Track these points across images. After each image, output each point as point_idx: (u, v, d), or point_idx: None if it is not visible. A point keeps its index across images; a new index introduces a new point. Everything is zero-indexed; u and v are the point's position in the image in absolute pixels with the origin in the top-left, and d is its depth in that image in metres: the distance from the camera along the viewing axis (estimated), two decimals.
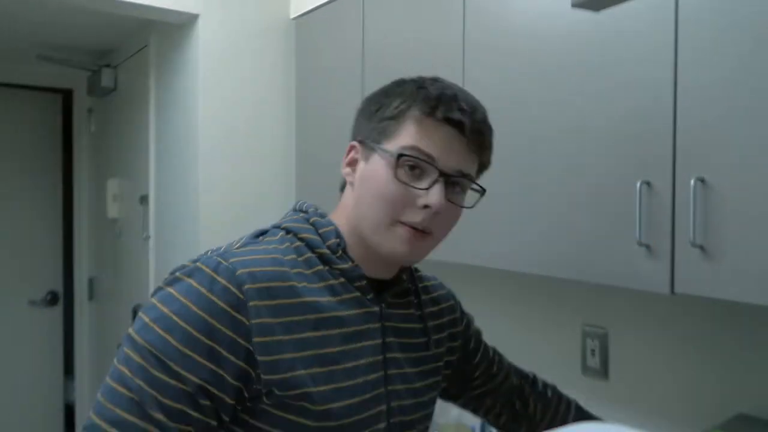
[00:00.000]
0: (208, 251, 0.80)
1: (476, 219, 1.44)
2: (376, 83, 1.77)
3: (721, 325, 1.31)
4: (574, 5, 0.66)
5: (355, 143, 0.86)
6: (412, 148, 0.78)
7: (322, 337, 0.78)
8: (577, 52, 1.21)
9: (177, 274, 0.76)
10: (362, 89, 1.82)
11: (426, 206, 0.78)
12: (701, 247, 1.01)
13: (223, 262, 0.75)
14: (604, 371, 1.53)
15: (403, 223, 0.79)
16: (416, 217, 0.79)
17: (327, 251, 0.82)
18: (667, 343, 1.41)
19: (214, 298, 0.72)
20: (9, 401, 3.15)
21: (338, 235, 0.84)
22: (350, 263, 0.83)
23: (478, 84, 1.41)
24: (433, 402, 0.97)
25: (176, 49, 2.31)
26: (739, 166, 0.97)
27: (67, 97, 3.33)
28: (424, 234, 0.81)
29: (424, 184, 0.79)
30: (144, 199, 2.58)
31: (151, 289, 2.55)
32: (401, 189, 0.79)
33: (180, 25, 2.24)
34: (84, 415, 3.34)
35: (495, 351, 1.15)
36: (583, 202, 1.20)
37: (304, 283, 0.79)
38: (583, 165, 1.20)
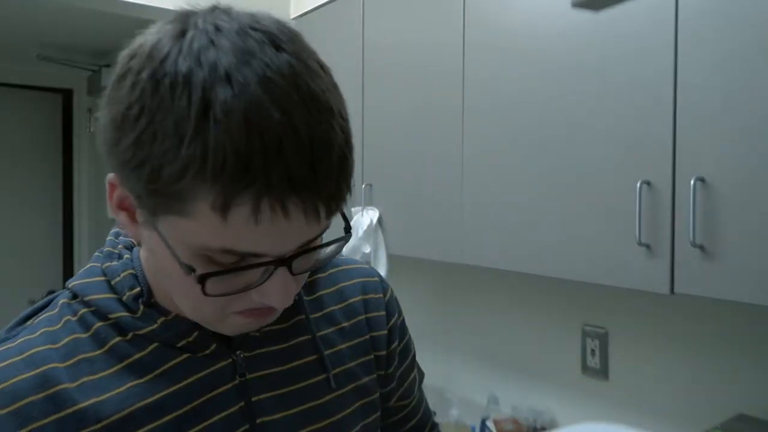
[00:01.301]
0: None
1: (476, 220, 1.44)
2: (376, 83, 1.78)
3: (721, 325, 1.31)
4: (574, 5, 0.66)
5: (114, 182, 0.49)
6: (226, 251, 0.46)
7: None
8: (577, 52, 1.21)
9: None
10: (362, 89, 1.82)
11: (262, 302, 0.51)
12: (701, 247, 1.01)
13: None
14: (604, 371, 1.53)
15: (238, 312, 0.53)
16: (254, 306, 0.52)
17: (124, 314, 0.55)
18: (667, 343, 1.41)
19: None
20: None
21: (137, 282, 0.56)
22: (161, 319, 0.55)
23: (478, 84, 1.42)
24: None
25: None
26: (739, 166, 0.97)
27: (67, 97, 3.33)
28: (271, 308, 0.53)
29: (249, 278, 0.49)
30: None
31: None
32: (219, 299, 0.50)
33: None
34: None
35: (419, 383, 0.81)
36: (583, 202, 1.20)
37: (85, 378, 0.52)
38: (583, 165, 1.20)
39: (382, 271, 1.76)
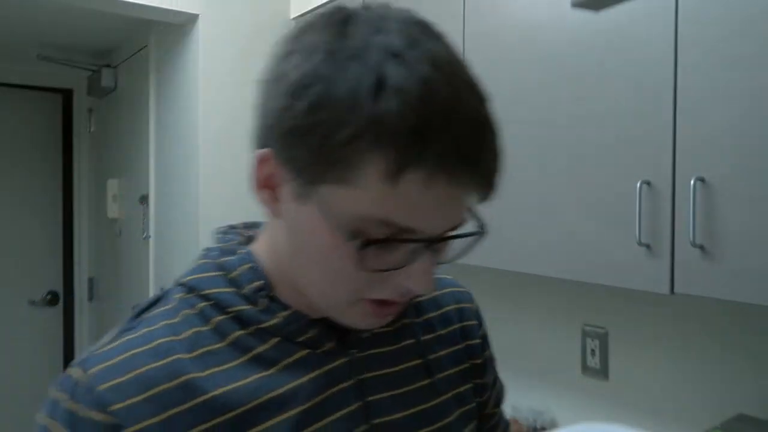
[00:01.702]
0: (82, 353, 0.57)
1: None
2: None
3: (721, 325, 1.31)
4: (574, 5, 0.66)
5: (268, 155, 0.51)
6: (384, 223, 0.47)
7: None
8: (577, 52, 1.21)
9: (42, 414, 0.53)
10: None
11: (403, 286, 0.52)
12: (701, 247, 1.01)
13: (83, 377, 0.52)
14: (604, 371, 1.53)
15: (370, 300, 0.53)
16: (389, 295, 0.52)
17: (245, 307, 0.56)
18: (667, 343, 1.41)
19: None
20: (9, 401, 3.15)
21: (258, 275, 0.57)
22: (284, 313, 0.56)
23: None
24: None
25: (176, 49, 2.30)
26: (739, 166, 0.97)
27: (67, 97, 3.32)
28: (395, 304, 0.55)
29: (397, 258, 0.50)
30: (144, 199, 2.58)
31: (151, 290, 2.56)
32: (367, 274, 0.50)
33: (180, 25, 2.24)
34: None
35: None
36: (584, 202, 1.20)
37: (213, 369, 0.54)
38: (584, 165, 1.20)
39: None
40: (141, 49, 2.64)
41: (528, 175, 1.31)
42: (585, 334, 1.57)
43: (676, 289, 1.05)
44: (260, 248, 0.59)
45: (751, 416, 1.23)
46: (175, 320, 0.56)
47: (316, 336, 0.57)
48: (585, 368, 1.57)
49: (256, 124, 0.53)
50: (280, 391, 0.54)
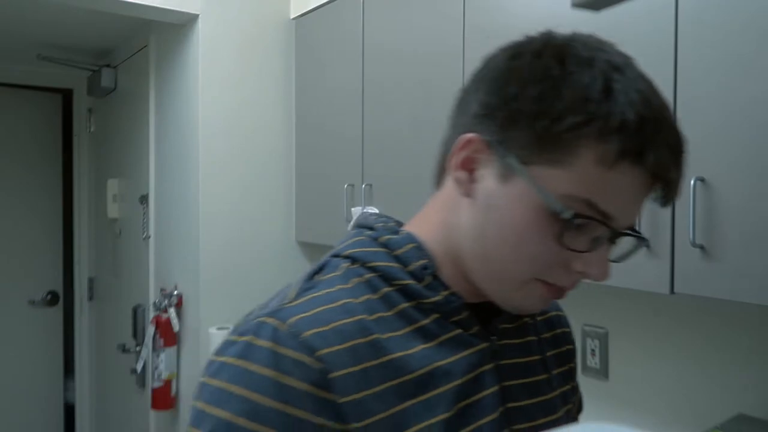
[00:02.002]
0: (251, 313, 0.59)
1: None
2: (376, 83, 1.78)
3: (721, 325, 1.31)
4: (574, 5, 0.66)
5: (475, 138, 0.57)
6: (587, 203, 0.52)
7: (427, 402, 0.57)
8: None
9: (224, 357, 0.56)
10: (362, 89, 1.82)
11: (582, 272, 0.56)
12: (701, 247, 1.01)
13: (281, 325, 0.54)
14: (604, 371, 1.53)
15: (544, 281, 0.58)
16: (565, 281, 0.57)
17: (411, 281, 0.60)
18: (667, 343, 1.41)
19: (288, 381, 0.52)
20: (9, 401, 3.15)
21: (423, 254, 0.61)
22: (444, 292, 0.61)
23: None
24: None
25: (176, 49, 2.30)
26: (739, 166, 0.97)
27: (67, 97, 3.32)
28: (565, 290, 0.59)
29: (584, 242, 0.55)
30: (144, 199, 2.58)
31: (152, 289, 2.56)
32: (559, 251, 0.55)
33: (180, 25, 2.24)
34: (84, 415, 3.34)
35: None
36: None
37: (389, 333, 0.58)
38: None
39: None
40: (141, 49, 2.64)
41: None
42: (585, 334, 1.57)
43: (676, 289, 1.05)
44: (419, 231, 0.63)
45: (751, 416, 1.23)
46: (349, 285, 0.59)
47: (467, 318, 0.62)
48: (585, 368, 1.57)
49: (462, 115, 0.62)
50: (443, 363, 0.59)
